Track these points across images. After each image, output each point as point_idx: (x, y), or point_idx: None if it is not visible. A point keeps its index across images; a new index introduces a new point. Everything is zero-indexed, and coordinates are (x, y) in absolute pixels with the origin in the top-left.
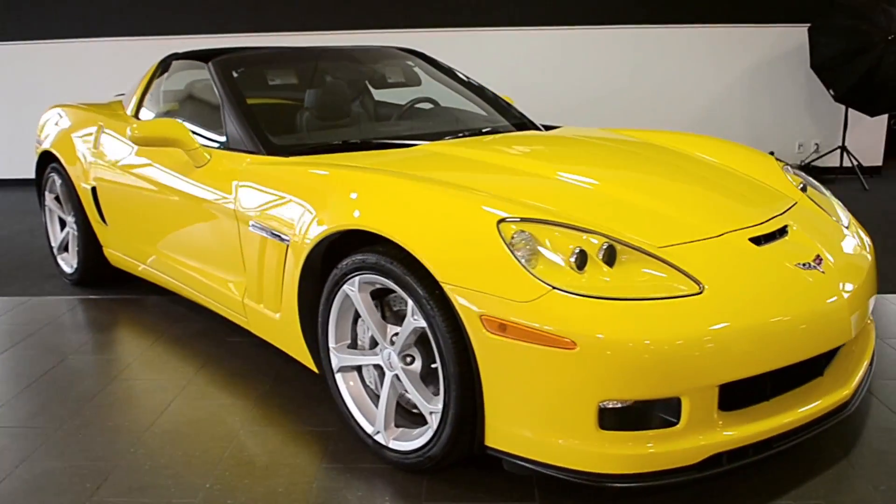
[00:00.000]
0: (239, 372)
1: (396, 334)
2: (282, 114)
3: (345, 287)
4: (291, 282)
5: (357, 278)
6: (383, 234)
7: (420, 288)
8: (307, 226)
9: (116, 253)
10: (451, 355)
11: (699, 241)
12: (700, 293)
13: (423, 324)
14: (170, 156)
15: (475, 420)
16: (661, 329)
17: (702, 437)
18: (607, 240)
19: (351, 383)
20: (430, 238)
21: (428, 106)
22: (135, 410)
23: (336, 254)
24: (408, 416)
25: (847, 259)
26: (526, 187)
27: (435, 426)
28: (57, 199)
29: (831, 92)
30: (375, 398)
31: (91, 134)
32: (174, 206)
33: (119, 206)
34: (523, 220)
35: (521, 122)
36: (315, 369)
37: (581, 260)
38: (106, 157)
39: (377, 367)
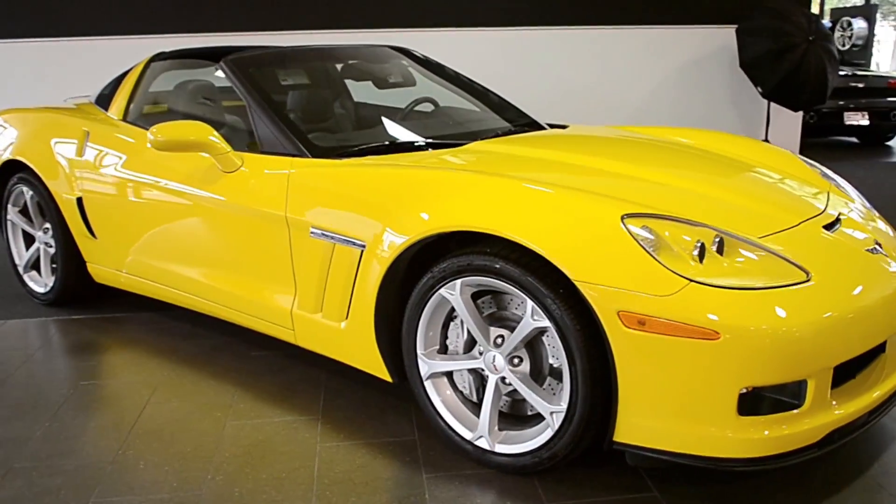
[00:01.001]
0: (285, 386)
1: (500, 336)
2: (306, 115)
3: (442, 291)
4: (367, 288)
5: (458, 281)
6: (505, 236)
7: (544, 287)
8: (393, 229)
9: (105, 268)
10: (580, 353)
11: (784, 230)
12: (809, 280)
13: (544, 324)
14: (185, 161)
15: (603, 417)
16: (794, 315)
17: (820, 416)
18: (717, 232)
19: (448, 392)
20: (559, 237)
21: (430, 107)
22: (196, 439)
23: (419, 258)
24: (502, 418)
25: (892, 242)
26: (611, 184)
27: (557, 425)
28: (22, 212)
29: (759, 89)
30: (469, 403)
31: (73, 140)
32: (194, 216)
33: (114, 217)
34: (644, 214)
35: (531, 121)
36: (388, 378)
37: (701, 252)
38: (96, 166)
39: (472, 371)
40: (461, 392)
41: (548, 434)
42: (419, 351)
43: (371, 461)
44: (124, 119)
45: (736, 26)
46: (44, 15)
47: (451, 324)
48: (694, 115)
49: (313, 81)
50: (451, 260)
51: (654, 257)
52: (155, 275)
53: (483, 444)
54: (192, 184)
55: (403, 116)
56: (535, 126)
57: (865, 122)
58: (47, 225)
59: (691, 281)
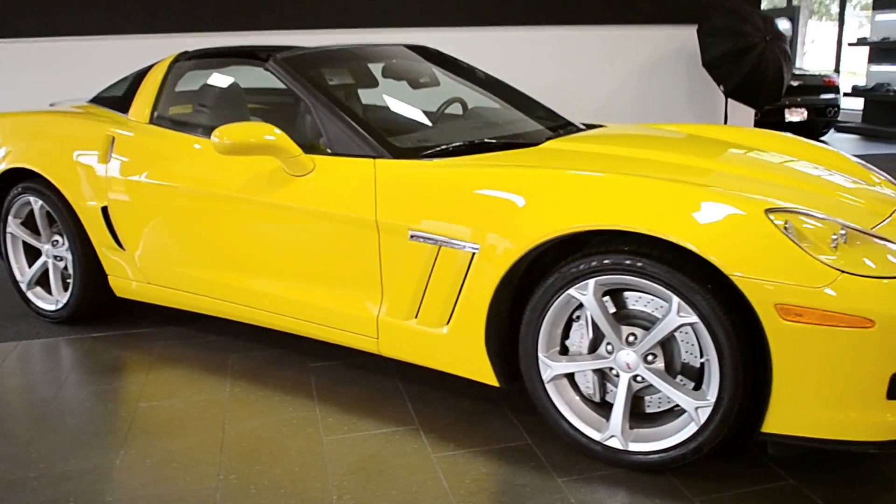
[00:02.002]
0: (365, 397)
1: (632, 334)
2: (368, 115)
3: (571, 291)
4: (479, 291)
5: (591, 281)
6: (654, 234)
7: (693, 283)
8: (516, 231)
9: (132, 281)
10: (729, 347)
11: (883, 222)
12: None
13: (690, 320)
14: (241, 166)
15: (752, 408)
16: None
17: None
18: (841, 225)
19: (570, 393)
20: (709, 233)
21: (459, 107)
22: (300, 457)
23: (537, 260)
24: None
25: None
26: (727, 181)
27: (703, 419)
28: (25, 224)
29: (721, 88)
30: (591, 404)
31: (95, 146)
32: (254, 223)
33: (148, 227)
34: (784, 209)
35: (566, 120)
36: (494, 383)
37: (836, 244)
38: (125, 172)
39: (597, 371)
40: (584, 393)
41: (691, 429)
42: (541, 354)
43: (497, 469)
44: (151, 122)
45: (696, 26)
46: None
47: (574, 324)
48: (655, 112)
49: (357, 81)
50: (583, 260)
51: (804, 250)
52: (199, 286)
53: (615, 443)
54: (253, 189)
55: (444, 117)
56: (572, 124)
57: (804, 117)
58: (57, 237)
59: (843, 272)
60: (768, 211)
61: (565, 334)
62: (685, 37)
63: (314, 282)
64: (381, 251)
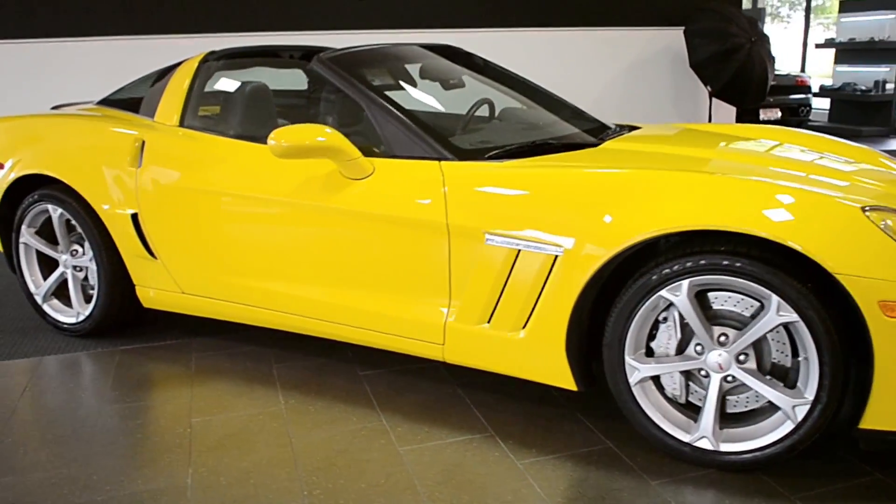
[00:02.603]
0: (429, 405)
1: (723, 335)
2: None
3: (663, 292)
4: (562, 294)
5: (685, 282)
6: (758, 234)
7: (796, 282)
8: (603, 232)
9: (163, 290)
10: (829, 345)
11: None
12: None
13: (790, 319)
14: (291, 169)
15: (850, 405)
16: None
17: None
18: None
19: (656, 395)
20: (812, 232)
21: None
22: (382, 469)
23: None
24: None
25: None
26: (807, 181)
27: (799, 418)
28: (40, 233)
29: (709, 88)
30: (678, 406)
31: (125, 150)
32: (305, 228)
33: (184, 234)
34: (879, 208)
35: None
36: (572, 387)
37: None
38: (158, 177)
39: (683, 372)
40: (669, 395)
41: (787, 427)
42: (627, 356)
43: (587, 474)
44: (181, 125)
45: (683, 28)
46: None
47: (661, 326)
48: (641, 111)
49: (398, 82)
50: (677, 261)
51: None
52: (241, 295)
53: (705, 444)
54: (306, 193)
55: (476, 118)
56: (605, 124)
57: (778, 116)
58: (76, 247)
59: None
60: (865, 209)
61: (650, 336)
62: (671, 38)
63: (373, 288)
64: (451, 255)
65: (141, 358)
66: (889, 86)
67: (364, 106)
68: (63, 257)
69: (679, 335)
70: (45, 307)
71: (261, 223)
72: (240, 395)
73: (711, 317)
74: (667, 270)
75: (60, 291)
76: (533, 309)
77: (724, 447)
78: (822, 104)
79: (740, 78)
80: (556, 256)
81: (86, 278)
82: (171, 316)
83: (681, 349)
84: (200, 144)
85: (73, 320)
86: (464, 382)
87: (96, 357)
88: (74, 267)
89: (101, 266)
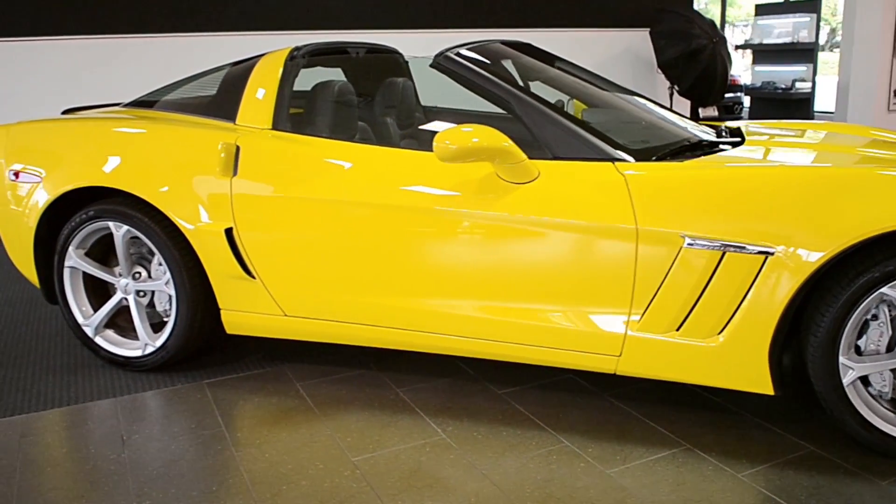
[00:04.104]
0: (604, 421)
1: None
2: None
3: (884, 289)
4: (772, 297)
5: None
6: None
7: None
8: (820, 231)
9: (256, 314)
10: None
11: None
12: None
13: None
14: (432, 173)
15: None
16: None
17: None
18: None
19: (865, 395)
20: None
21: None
22: (594, 498)
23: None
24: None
25: None
26: None
27: None
28: (89, 255)
29: (676, 88)
30: (887, 403)
31: (215, 157)
32: (458, 237)
33: (298, 249)
34: None
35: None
36: (769, 392)
37: None
38: (262, 187)
39: (893, 370)
40: (871, 393)
41: None
42: (841, 357)
43: (811, 478)
44: (276, 127)
45: (648, 30)
46: None
47: (872, 323)
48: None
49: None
50: None
51: None
52: (367, 315)
53: None
54: (455, 201)
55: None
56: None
57: (715, 113)
58: (139, 269)
59: None
60: None
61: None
62: (634, 39)
63: (537, 299)
64: (637, 260)
65: (238, 391)
66: (807, 84)
67: (514, 105)
68: (123, 281)
69: (891, 332)
70: (99, 340)
71: (395, 235)
72: (385, 426)
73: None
74: (891, 268)
75: (111, 321)
76: (734, 313)
77: None
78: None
79: (705, 78)
80: (766, 258)
81: (151, 304)
82: (234, 341)
83: (889, 346)
84: (311, 149)
85: (137, 353)
86: (616, 393)
87: (183, 394)
88: (138, 292)
89: (182, 289)
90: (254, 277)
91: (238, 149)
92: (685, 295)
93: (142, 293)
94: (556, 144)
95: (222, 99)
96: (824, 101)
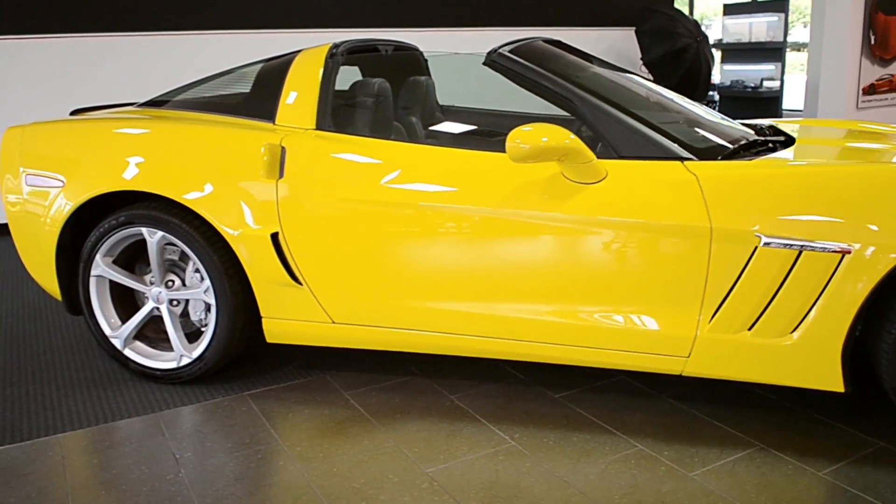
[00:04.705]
0: (678, 423)
1: None
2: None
3: None
4: (849, 294)
5: None
6: None
7: None
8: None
9: (300, 321)
10: None
11: None
12: None
13: None
14: (491, 175)
15: None
16: None
17: None
18: None
19: None
20: None
21: None
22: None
23: None
24: None
25: None
26: None
27: None
28: (116, 262)
29: (663, 85)
30: None
31: (259, 158)
32: (522, 239)
33: (350, 253)
34: None
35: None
36: (839, 389)
37: None
38: (311, 189)
39: None
40: None
41: None
42: None
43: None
44: (321, 127)
45: (634, 29)
46: None
47: None
48: (522, 106)
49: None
50: None
51: None
52: (418, 321)
53: None
54: (519, 202)
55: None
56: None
57: None
58: (172, 277)
59: None
60: None
61: None
62: (617, 37)
63: (603, 301)
64: (710, 260)
65: (285, 402)
66: (775, 82)
67: (577, 103)
68: (155, 290)
69: None
70: (128, 352)
71: (454, 237)
72: (449, 434)
73: None
74: None
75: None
76: (808, 312)
77: None
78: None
79: (689, 76)
80: (843, 256)
81: (185, 313)
82: (267, 350)
83: None
84: (361, 149)
85: (172, 365)
86: (678, 395)
87: (227, 407)
88: (171, 301)
89: (223, 297)
90: (300, 284)
91: (283, 150)
92: (759, 294)
93: (175, 302)
94: (621, 143)
95: (258, 98)
96: (792, 99)
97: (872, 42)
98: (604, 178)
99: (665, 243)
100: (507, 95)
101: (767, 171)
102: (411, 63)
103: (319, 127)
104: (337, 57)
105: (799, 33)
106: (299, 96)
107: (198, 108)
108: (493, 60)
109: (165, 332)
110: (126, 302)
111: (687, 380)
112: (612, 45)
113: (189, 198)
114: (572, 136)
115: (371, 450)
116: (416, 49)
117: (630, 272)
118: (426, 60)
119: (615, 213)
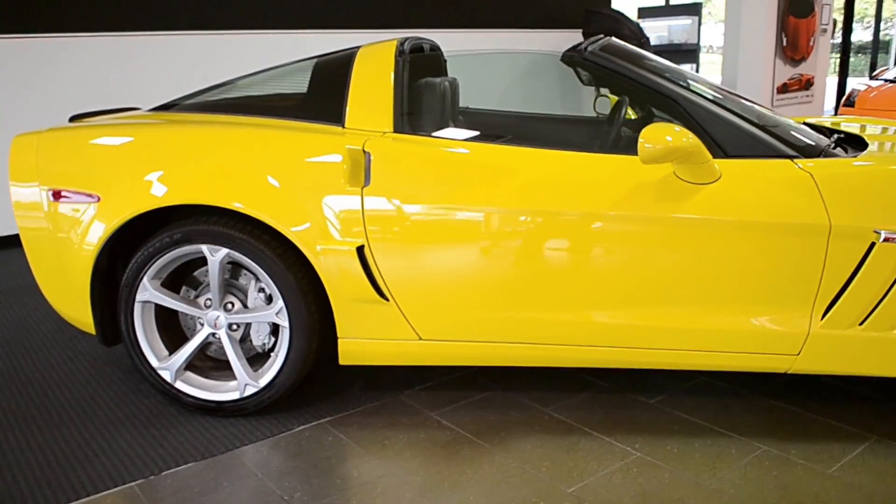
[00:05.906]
0: (786, 420)
1: None
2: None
3: None
4: None
5: None
6: None
7: None
8: None
9: (387, 340)
10: None
11: None
12: None
13: None
14: (600, 178)
15: None
16: None
17: None
18: None
19: None
20: None
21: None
22: None
23: None
24: None
25: None
26: None
27: None
28: (164, 285)
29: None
30: None
31: (340, 166)
32: (635, 243)
33: (445, 265)
34: None
35: None
36: None
37: None
38: (402, 197)
39: None
40: None
41: None
42: None
43: None
44: (401, 130)
45: (580, 30)
46: None
47: None
48: (534, 103)
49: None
50: None
51: None
52: (518, 333)
53: None
54: (632, 204)
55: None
56: None
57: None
58: (232, 300)
59: None
60: None
61: None
62: (565, 40)
63: (713, 303)
64: (827, 257)
65: (371, 428)
66: None
67: (682, 103)
68: (213, 314)
69: None
70: (180, 384)
71: (558, 243)
72: (569, 449)
73: None
74: None
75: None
76: None
77: None
78: None
79: None
80: None
81: (246, 338)
82: (319, 374)
83: None
84: (453, 152)
85: (234, 396)
86: (769, 392)
87: (311, 438)
88: (230, 325)
89: (298, 318)
90: (386, 300)
91: (368, 155)
92: (874, 290)
93: (234, 326)
94: (730, 143)
95: (318, 100)
96: None
97: (784, 44)
98: (719, 179)
99: (782, 241)
100: (507, 95)
101: (879, 167)
102: (435, 63)
103: (397, 130)
104: (406, 55)
105: (707, 36)
106: (372, 98)
107: (237, 110)
108: (586, 59)
109: (213, 360)
110: (170, 329)
111: (776, 376)
112: (559, 47)
113: (263, 210)
114: (691, 135)
115: (496, 473)
116: (438, 48)
117: (745, 272)
118: (445, 61)
119: (734, 212)
